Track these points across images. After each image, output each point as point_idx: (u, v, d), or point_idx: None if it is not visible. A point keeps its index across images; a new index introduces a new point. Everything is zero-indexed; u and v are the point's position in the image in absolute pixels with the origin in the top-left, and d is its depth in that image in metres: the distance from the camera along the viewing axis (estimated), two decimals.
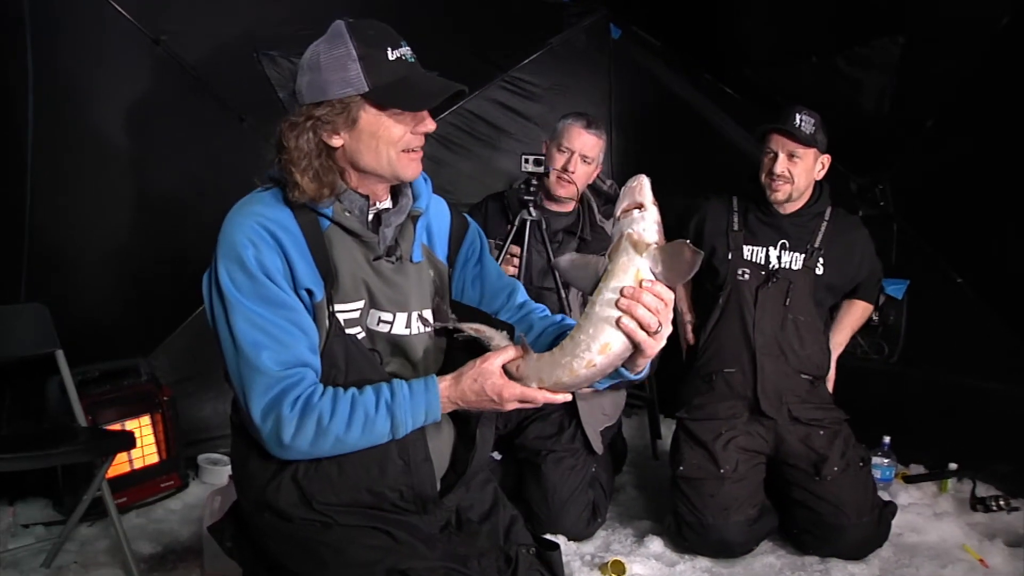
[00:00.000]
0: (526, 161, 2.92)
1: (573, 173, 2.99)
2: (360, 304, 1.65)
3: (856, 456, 2.83)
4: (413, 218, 1.74)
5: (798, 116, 2.81)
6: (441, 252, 1.84)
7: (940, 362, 3.38)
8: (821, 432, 2.84)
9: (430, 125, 1.63)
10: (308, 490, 1.61)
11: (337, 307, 1.62)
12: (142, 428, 3.12)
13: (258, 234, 1.53)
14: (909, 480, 3.35)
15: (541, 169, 2.93)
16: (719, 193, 3.12)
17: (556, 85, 4.08)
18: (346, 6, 3.37)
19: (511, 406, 1.55)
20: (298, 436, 1.51)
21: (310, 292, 1.58)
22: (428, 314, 1.76)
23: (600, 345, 1.44)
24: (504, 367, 1.55)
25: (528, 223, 2.96)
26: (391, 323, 1.71)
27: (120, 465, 3.00)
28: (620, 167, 3.12)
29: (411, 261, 1.74)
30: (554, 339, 1.70)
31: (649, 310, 1.42)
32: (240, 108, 3.40)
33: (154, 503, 3.13)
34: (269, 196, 1.61)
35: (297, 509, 1.62)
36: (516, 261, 2.99)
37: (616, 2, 4.03)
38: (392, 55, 1.56)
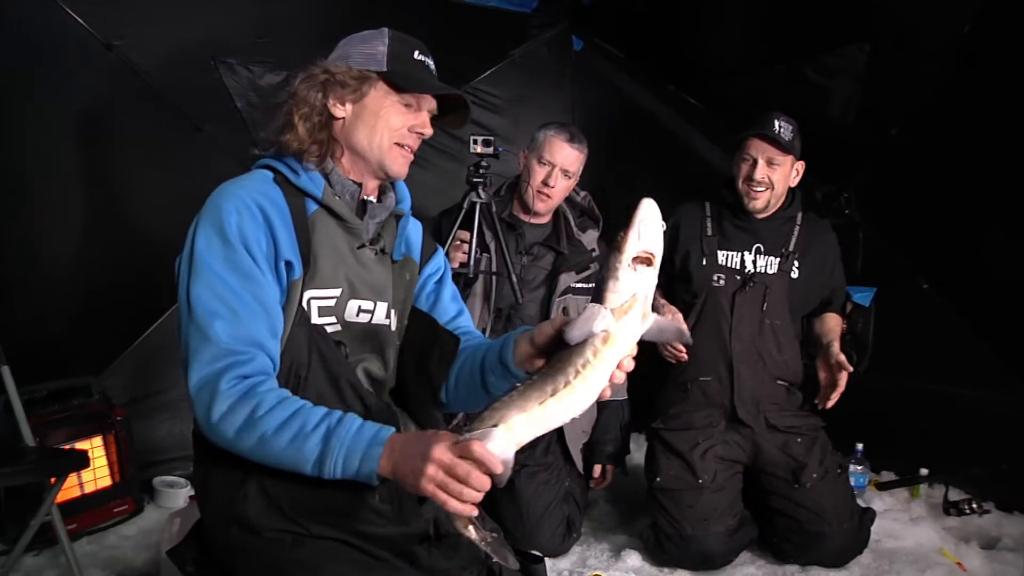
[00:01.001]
0: (475, 142, 2.86)
1: (553, 188, 2.91)
2: (337, 292, 1.61)
3: (834, 463, 2.82)
4: (396, 217, 1.75)
5: (777, 122, 2.80)
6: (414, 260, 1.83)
7: (908, 369, 3.39)
8: (799, 439, 2.82)
9: (427, 129, 1.67)
10: (277, 497, 1.52)
11: (313, 292, 1.57)
12: (94, 449, 2.95)
13: (246, 205, 1.50)
14: (882, 487, 3.35)
15: (491, 150, 2.87)
16: (692, 199, 3.10)
17: (518, 97, 4.06)
18: (304, 15, 3.40)
19: (425, 483, 1.30)
20: (228, 418, 1.39)
21: (289, 265, 1.54)
22: (399, 312, 1.76)
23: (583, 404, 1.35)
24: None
25: (477, 206, 2.85)
26: (371, 312, 1.68)
27: (70, 489, 2.83)
28: (584, 179, 3.08)
29: (392, 258, 1.74)
30: (473, 372, 1.66)
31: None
32: (197, 117, 3.30)
33: (107, 529, 2.96)
34: (260, 175, 1.60)
35: (266, 519, 1.52)
36: (465, 247, 2.87)
37: (578, 14, 4.02)
38: (417, 56, 1.65)
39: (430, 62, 1.67)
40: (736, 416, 2.85)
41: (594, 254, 3.02)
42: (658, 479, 2.82)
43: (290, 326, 1.54)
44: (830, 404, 2.81)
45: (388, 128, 1.62)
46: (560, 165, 2.88)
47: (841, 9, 3.11)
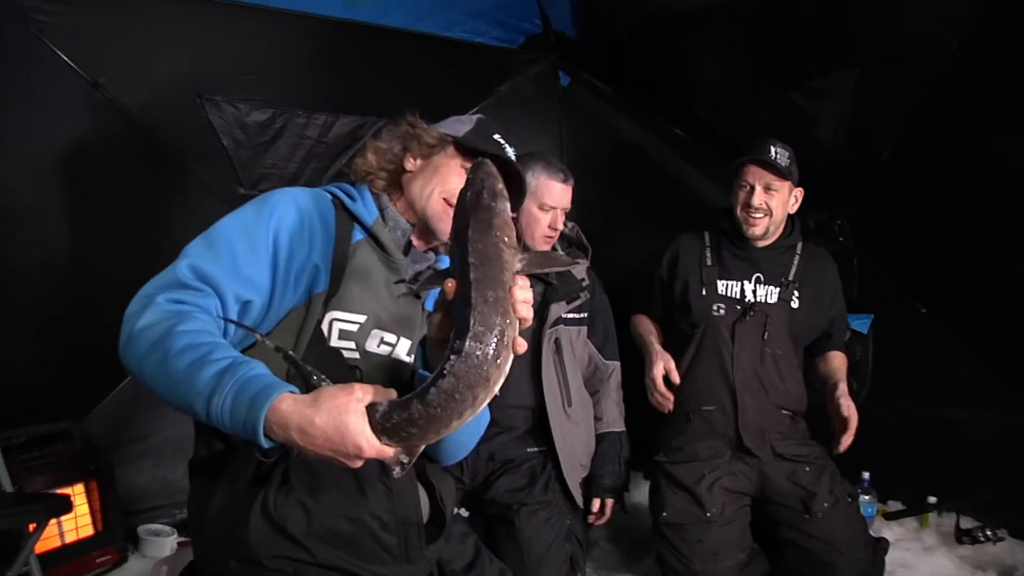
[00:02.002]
0: None
1: (558, 229, 2.88)
2: (361, 319, 1.61)
3: (844, 492, 2.75)
4: (433, 272, 1.81)
5: (773, 148, 2.81)
6: None
7: (910, 395, 3.34)
8: (807, 468, 2.75)
9: None
10: (281, 519, 1.47)
11: (336, 314, 1.57)
12: (75, 497, 2.82)
13: (297, 204, 1.58)
14: (890, 516, 3.27)
15: None
16: (691, 231, 3.09)
17: (505, 133, 4.02)
18: (291, 52, 3.39)
19: (356, 464, 1.27)
20: (148, 331, 1.32)
21: (316, 276, 1.55)
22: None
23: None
24: (372, 407, 1.27)
25: None
26: (393, 346, 1.68)
27: (50, 539, 2.71)
28: (575, 213, 3.06)
29: (424, 306, 1.78)
30: None
31: None
32: (183, 155, 3.25)
33: None
34: (319, 192, 1.68)
35: (268, 546, 1.46)
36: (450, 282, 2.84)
37: (564, 49, 4.03)
38: (495, 136, 1.77)
39: (509, 149, 1.77)
40: (742, 445, 2.77)
41: (583, 284, 2.98)
42: (664, 514, 2.74)
43: (304, 346, 1.53)
44: (843, 448, 2.75)
45: (441, 183, 1.70)
46: (560, 205, 2.86)
47: (829, 34, 3.11)
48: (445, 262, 1.84)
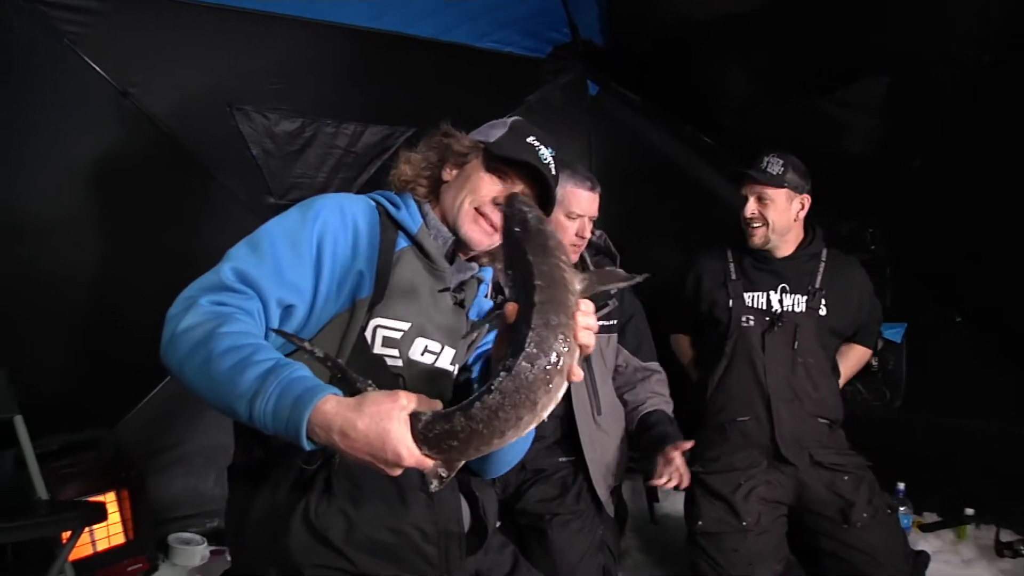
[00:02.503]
0: None
1: (587, 237, 2.85)
2: (405, 326, 1.58)
3: (883, 503, 2.70)
4: (478, 281, 1.80)
5: (766, 159, 2.85)
6: None
7: (944, 405, 3.30)
8: (845, 477, 2.71)
9: None
10: (323, 528, 1.47)
11: (380, 320, 1.55)
12: (107, 505, 2.82)
13: (341, 210, 1.57)
14: (926, 528, 3.22)
15: None
16: (711, 247, 3.09)
17: (542, 134, 4.01)
18: (320, 62, 3.39)
19: (396, 472, 1.25)
20: (191, 332, 1.31)
21: (360, 282, 1.53)
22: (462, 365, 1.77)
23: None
24: (415, 415, 1.25)
25: None
26: (437, 354, 1.66)
27: (82, 547, 2.72)
28: (604, 224, 3.05)
29: (467, 315, 1.77)
30: None
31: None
32: (212, 164, 3.25)
33: None
34: (364, 199, 1.67)
35: (309, 555, 1.46)
36: None
37: (593, 58, 4.02)
38: (529, 140, 1.72)
39: (545, 152, 1.73)
40: (779, 455, 2.74)
41: (611, 291, 2.95)
42: (700, 523, 2.71)
43: (348, 353, 1.51)
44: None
45: (472, 192, 1.67)
46: (587, 214, 2.83)
47: (858, 42, 3.09)
48: (488, 272, 1.82)
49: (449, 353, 1.67)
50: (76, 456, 2.88)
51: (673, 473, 2.62)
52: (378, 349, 1.55)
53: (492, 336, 1.84)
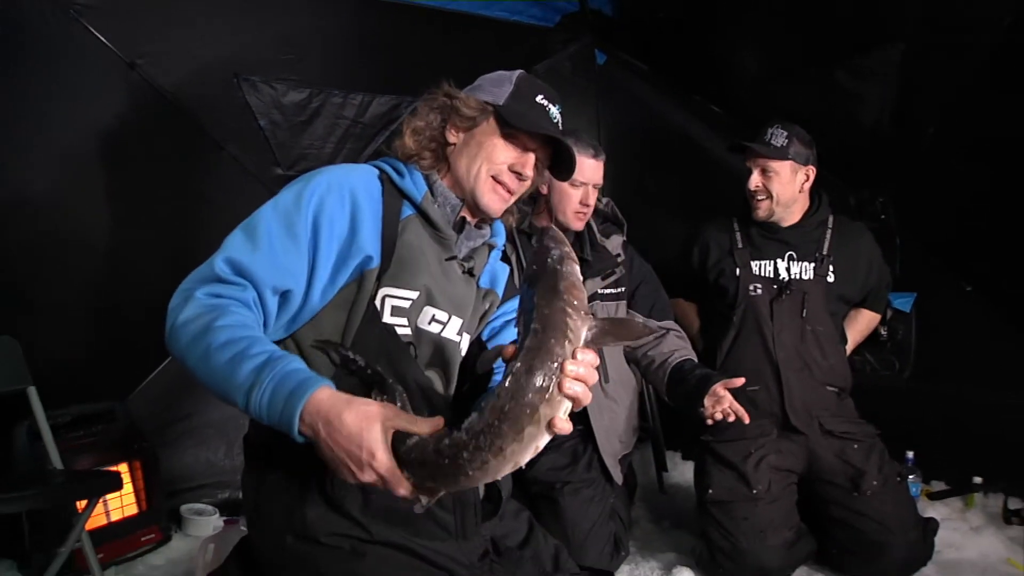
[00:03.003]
0: None
1: (590, 205, 2.84)
2: (413, 295, 1.56)
3: (893, 471, 2.72)
4: (489, 248, 1.77)
5: (769, 131, 2.83)
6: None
7: (954, 374, 3.29)
8: (855, 446, 2.72)
9: (527, 170, 1.68)
10: (339, 498, 1.47)
11: (389, 290, 1.54)
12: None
13: (339, 185, 1.53)
14: (934, 496, 3.23)
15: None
16: (716, 217, 3.08)
17: (547, 89, 3.99)
18: (328, 32, 3.37)
19: (365, 477, 1.25)
20: (190, 324, 1.33)
21: (365, 246, 1.51)
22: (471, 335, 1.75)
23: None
24: (399, 435, 1.26)
25: None
26: (444, 324, 1.64)
27: (96, 517, 2.70)
28: (612, 193, 3.04)
29: (478, 283, 1.75)
30: None
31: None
32: (220, 135, 3.23)
33: (134, 559, 2.84)
34: (366, 168, 1.64)
35: (326, 522, 1.46)
36: None
37: (601, 28, 3.99)
38: (539, 99, 1.67)
39: (554, 110, 1.69)
40: (788, 424, 2.75)
41: (619, 259, 2.95)
42: (710, 491, 2.72)
43: (358, 323, 1.50)
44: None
45: (488, 160, 1.64)
46: (591, 182, 2.81)
47: (872, 9, 3.06)
48: (499, 238, 1.81)
49: (456, 323, 1.65)
50: (89, 428, 2.87)
51: (725, 410, 2.49)
52: (387, 318, 1.54)
53: (505, 308, 1.83)
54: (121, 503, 2.84)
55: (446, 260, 1.65)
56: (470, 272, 1.71)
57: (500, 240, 1.80)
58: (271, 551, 1.54)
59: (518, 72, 1.71)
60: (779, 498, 2.67)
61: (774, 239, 2.92)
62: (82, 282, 3.02)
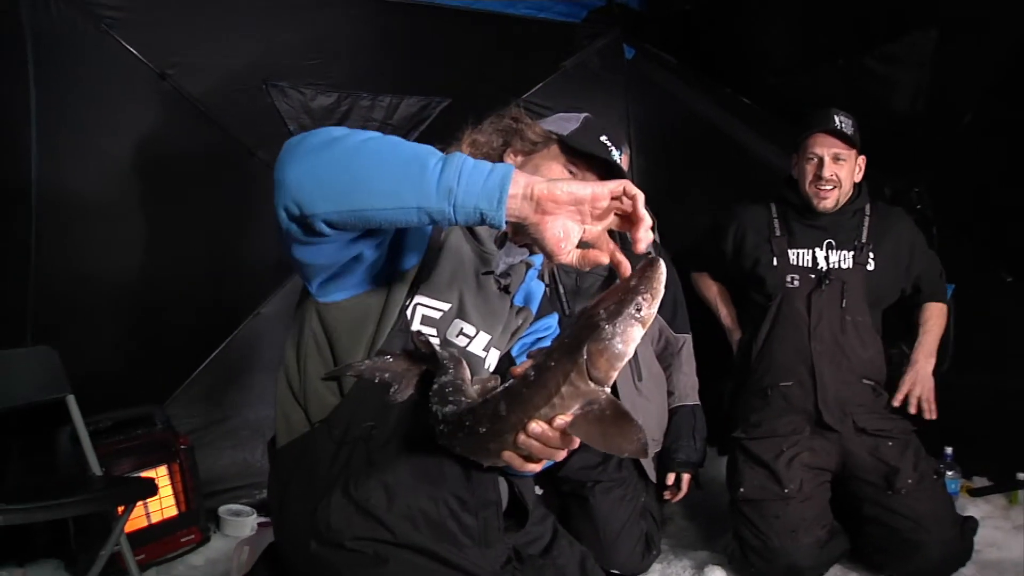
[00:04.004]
0: None
1: None
2: (446, 307, 1.56)
3: (930, 468, 2.67)
4: (527, 267, 1.75)
5: (837, 117, 2.73)
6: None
7: (995, 366, 3.19)
8: (890, 443, 2.67)
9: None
10: (362, 500, 1.46)
11: (422, 299, 1.53)
12: (159, 479, 2.90)
13: None
14: (975, 493, 3.16)
15: None
16: (754, 200, 3.02)
17: (571, 109, 3.95)
18: (355, 36, 3.39)
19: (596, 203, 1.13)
20: (315, 133, 1.18)
21: (407, 247, 1.50)
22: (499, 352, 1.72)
23: None
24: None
25: None
26: (471, 338, 1.63)
27: (137, 519, 2.80)
28: (642, 187, 3.00)
29: (512, 301, 1.72)
30: None
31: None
32: (251, 142, 3.28)
33: (174, 559, 2.91)
34: None
35: (350, 525, 1.46)
36: None
37: (628, 22, 3.96)
38: (602, 139, 1.62)
39: (615, 152, 1.65)
40: (821, 421, 2.71)
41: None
42: (741, 490, 2.70)
43: (387, 331, 1.49)
44: (898, 402, 2.77)
45: None
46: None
47: None
48: (539, 259, 1.81)
49: (484, 338, 1.65)
50: (129, 432, 2.95)
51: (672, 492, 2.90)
52: (416, 327, 1.55)
53: (537, 326, 1.84)
54: (160, 505, 2.91)
55: (483, 274, 1.64)
56: (506, 289, 1.70)
57: (539, 260, 1.79)
58: (295, 557, 1.57)
59: (584, 114, 1.72)
60: (811, 496, 2.64)
61: (813, 226, 2.85)
62: (120, 291, 3.10)
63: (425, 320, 1.54)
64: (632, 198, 1.13)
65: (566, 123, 1.68)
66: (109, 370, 3.05)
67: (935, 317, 2.96)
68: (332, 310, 1.52)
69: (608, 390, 1.16)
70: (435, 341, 1.54)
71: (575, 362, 1.11)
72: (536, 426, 1.15)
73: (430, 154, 1.14)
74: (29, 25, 2.74)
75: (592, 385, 1.12)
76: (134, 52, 2.95)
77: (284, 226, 1.23)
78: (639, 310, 1.12)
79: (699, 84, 3.89)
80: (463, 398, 1.30)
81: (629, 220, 1.16)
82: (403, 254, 1.51)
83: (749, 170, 3.78)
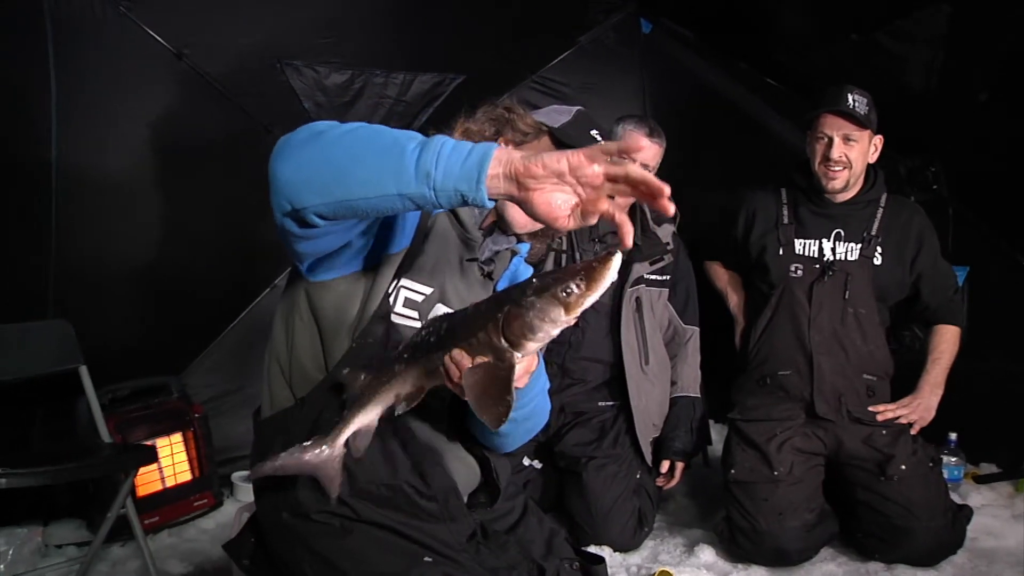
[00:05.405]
0: None
1: None
2: (428, 291, 1.60)
3: (925, 456, 2.64)
4: (512, 253, 1.78)
5: (850, 96, 2.65)
6: None
7: (1008, 352, 3.14)
8: (883, 432, 2.66)
9: None
10: None
11: (406, 282, 1.56)
12: (173, 446, 3.06)
13: None
14: (980, 480, 3.13)
15: None
16: (765, 186, 2.98)
17: (587, 84, 3.95)
18: (368, 14, 3.42)
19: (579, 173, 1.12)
20: (301, 130, 1.27)
21: (393, 232, 1.53)
22: None
23: None
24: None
25: None
26: None
27: (152, 484, 2.96)
28: (658, 166, 3.01)
29: (495, 287, 1.75)
30: None
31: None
32: (266, 119, 3.33)
33: (187, 522, 3.07)
34: None
35: (316, 503, 1.52)
36: None
37: None
38: (593, 133, 1.67)
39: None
40: (816, 410, 2.71)
41: (668, 247, 2.96)
42: (732, 471, 2.72)
43: (368, 316, 1.53)
44: (883, 419, 2.71)
45: None
46: (641, 161, 2.77)
47: None
48: (525, 247, 1.81)
49: None
50: (146, 401, 3.10)
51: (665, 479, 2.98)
52: (399, 309, 1.58)
53: None
54: (175, 470, 3.06)
55: (467, 260, 1.68)
56: (489, 276, 1.73)
57: (525, 248, 1.80)
58: (269, 524, 1.65)
59: (577, 107, 1.74)
60: (802, 480, 2.64)
61: (824, 215, 2.81)
62: (138, 265, 3.21)
63: (407, 303, 1.58)
64: (624, 152, 1.10)
65: (558, 115, 1.71)
66: (128, 343, 3.19)
67: (946, 343, 2.85)
68: (320, 289, 1.56)
69: (520, 356, 1.23)
70: (415, 326, 1.57)
71: (494, 317, 1.21)
72: (457, 354, 1.24)
73: (409, 139, 1.17)
74: (49, 10, 2.82)
75: (503, 343, 1.20)
76: (151, 32, 3.00)
77: (279, 222, 1.31)
78: (567, 293, 1.16)
79: (715, 59, 3.83)
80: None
81: (648, 192, 1.11)
82: (392, 238, 1.55)
83: (766, 146, 3.74)
